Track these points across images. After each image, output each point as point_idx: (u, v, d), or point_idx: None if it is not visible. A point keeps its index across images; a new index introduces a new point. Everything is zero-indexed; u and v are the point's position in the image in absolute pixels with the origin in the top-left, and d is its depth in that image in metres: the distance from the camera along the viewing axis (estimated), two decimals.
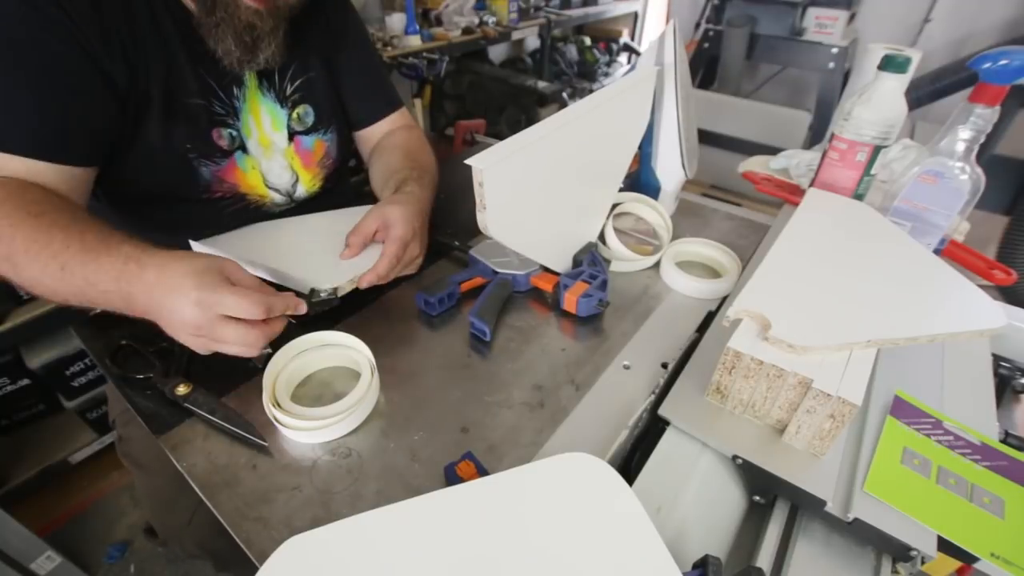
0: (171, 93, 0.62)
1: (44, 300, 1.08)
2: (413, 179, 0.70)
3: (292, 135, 0.74)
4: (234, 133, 0.68)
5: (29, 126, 0.53)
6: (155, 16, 0.60)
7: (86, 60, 0.55)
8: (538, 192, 0.57)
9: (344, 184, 0.91)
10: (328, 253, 0.64)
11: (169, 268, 0.45)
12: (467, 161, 0.48)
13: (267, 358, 0.53)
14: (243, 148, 0.70)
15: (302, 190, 0.78)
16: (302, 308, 0.51)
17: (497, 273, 0.65)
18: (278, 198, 0.76)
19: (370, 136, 0.84)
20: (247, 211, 0.73)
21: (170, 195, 0.67)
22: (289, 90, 0.72)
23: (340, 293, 0.56)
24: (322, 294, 0.55)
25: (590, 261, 0.66)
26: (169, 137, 0.63)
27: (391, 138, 0.82)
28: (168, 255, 0.47)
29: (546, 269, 0.66)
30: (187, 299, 0.44)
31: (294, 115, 0.74)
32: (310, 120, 0.75)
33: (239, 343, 0.46)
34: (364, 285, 0.58)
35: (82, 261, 0.47)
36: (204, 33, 0.61)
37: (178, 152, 0.64)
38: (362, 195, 0.83)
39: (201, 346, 0.47)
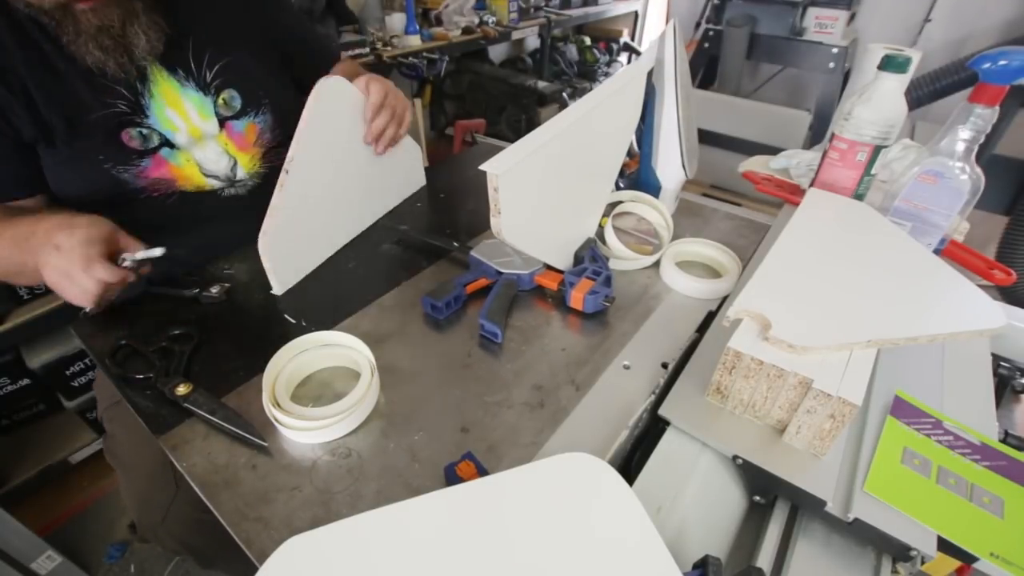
0: (71, 113, 0.62)
1: (44, 301, 1.10)
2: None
3: (222, 121, 0.73)
4: (144, 132, 0.67)
5: None
6: (24, 42, 0.59)
7: None
8: (546, 193, 0.58)
9: None
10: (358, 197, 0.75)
11: (73, 216, 0.56)
12: (482, 167, 0.48)
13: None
14: (168, 144, 0.69)
15: (242, 172, 0.77)
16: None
17: (501, 274, 0.65)
18: (217, 184, 0.75)
19: None
20: (188, 202, 0.73)
21: (104, 202, 0.66)
22: (209, 76, 0.71)
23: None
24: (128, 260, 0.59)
25: (591, 257, 0.66)
26: (78, 152, 0.63)
27: None
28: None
29: (549, 267, 0.66)
30: (79, 230, 0.54)
31: (220, 101, 0.72)
32: (237, 104, 0.74)
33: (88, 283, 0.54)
34: (380, 151, 0.67)
35: (13, 227, 0.57)
36: (72, 51, 0.60)
37: (92, 164, 0.64)
38: None
39: (61, 276, 0.54)
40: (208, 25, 0.70)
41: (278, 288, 0.65)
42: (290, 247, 0.65)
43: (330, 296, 0.66)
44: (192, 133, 0.71)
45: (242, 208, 0.76)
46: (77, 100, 0.62)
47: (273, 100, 0.77)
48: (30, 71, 0.59)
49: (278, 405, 0.49)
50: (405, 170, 0.87)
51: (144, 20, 0.62)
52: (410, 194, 0.89)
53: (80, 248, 0.53)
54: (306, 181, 0.63)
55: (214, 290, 0.63)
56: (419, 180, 0.91)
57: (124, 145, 0.66)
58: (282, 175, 0.60)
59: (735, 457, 0.43)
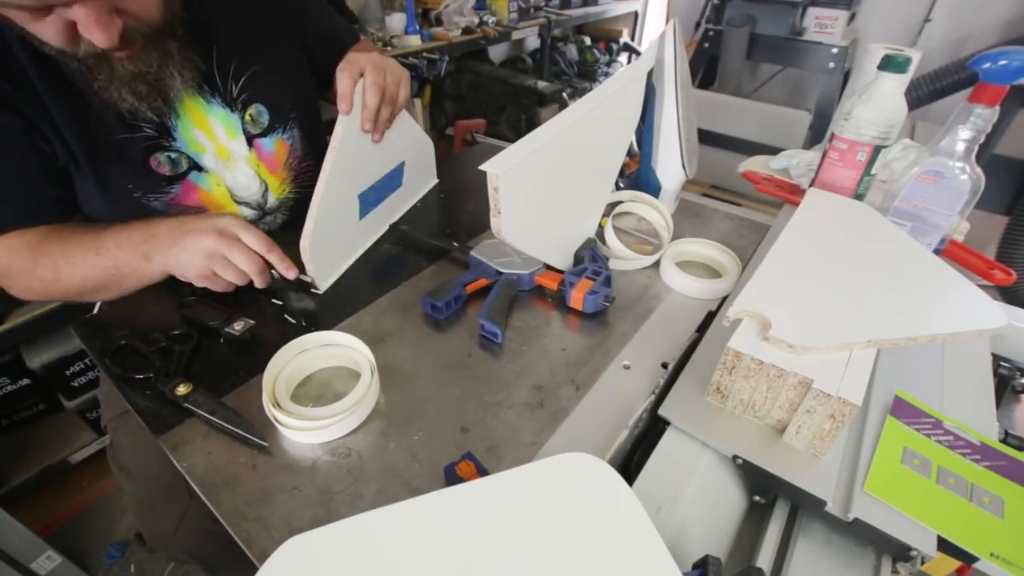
0: (91, 137, 0.59)
1: (44, 301, 1.09)
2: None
3: (250, 140, 0.70)
4: (173, 156, 0.65)
5: (17, 203, 0.60)
6: (44, 68, 0.55)
7: (25, 133, 0.57)
8: (546, 193, 0.58)
9: None
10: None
11: (188, 218, 0.59)
12: (482, 167, 0.48)
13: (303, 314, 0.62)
14: (197, 167, 0.67)
15: (272, 199, 0.74)
16: (291, 273, 0.61)
17: (501, 274, 0.65)
18: (248, 212, 0.73)
19: None
20: None
21: None
22: (235, 91, 0.67)
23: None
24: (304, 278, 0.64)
25: (591, 257, 0.66)
26: (106, 182, 0.61)
27: None
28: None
29: (549, 267, 0.66)
30: (209, 225, 0.57)
31: (247, 117, 0.69)
32: (265, 120, 0.71)
33: (247, 264, 0.57)
34: (367, 128, 0.63)
35: (115, 238, 0.58)
36: (106, 98, 0.56)
37: (121, 193, 0.62)
38: None
39: (208, 268, 0.57)
40: (233, 33, 0.66)
41: (323, 286, 0.66)
42: (328, 249, 0.66)
43: (330, 296, 0.66)
44: (219, 153, 0.68)
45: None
46: (101, 124, 0.59)
47: (300, 113, 0.74)
48: (51, 96, 0.56)
49: (278, 405, 0.49)
50: (420, 167, 0.86)
51: (179, 60, 0.58)
52: (425, 191, 0.88)
53: (235, 220, 0.58)
54: (342, 180, 0.64)
55: (237, 326, 0.59)
56: (431, 178, 0.91)
57: (153, 172, 0.63)
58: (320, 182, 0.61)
59: (735, 457, 0.43)
